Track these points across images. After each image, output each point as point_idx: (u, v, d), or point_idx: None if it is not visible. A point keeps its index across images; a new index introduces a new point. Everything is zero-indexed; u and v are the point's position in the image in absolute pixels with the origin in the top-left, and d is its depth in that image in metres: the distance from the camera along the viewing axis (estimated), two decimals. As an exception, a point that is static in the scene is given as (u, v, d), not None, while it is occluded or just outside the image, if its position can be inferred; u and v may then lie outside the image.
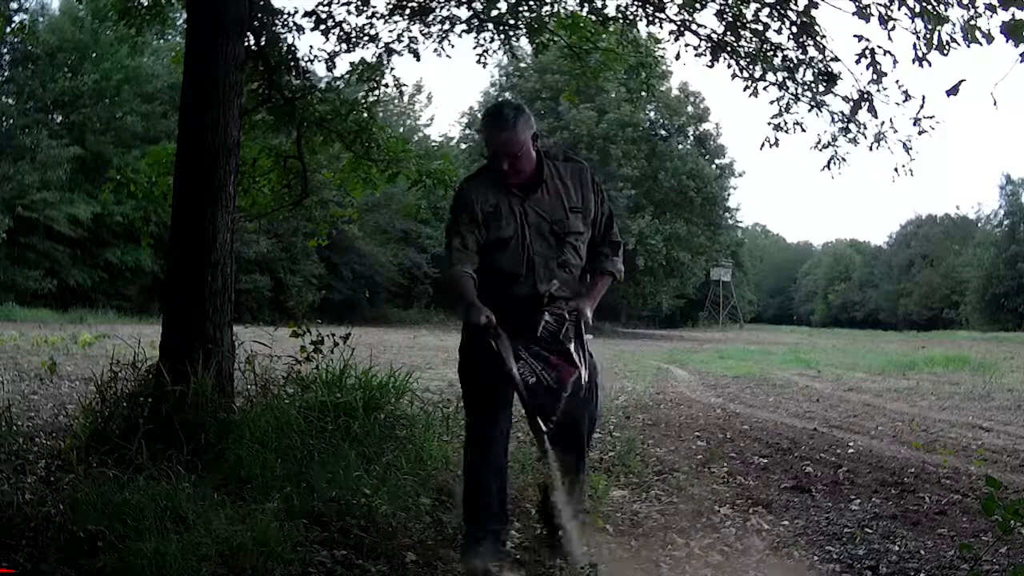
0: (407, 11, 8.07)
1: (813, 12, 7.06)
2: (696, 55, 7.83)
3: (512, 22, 8.21)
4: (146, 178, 8.12)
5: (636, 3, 7.93)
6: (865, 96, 7.26)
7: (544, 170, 3.95)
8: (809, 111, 7.79)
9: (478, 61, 8.56)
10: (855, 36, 6.58)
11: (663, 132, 46.36)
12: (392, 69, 8.39)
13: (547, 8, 8.22)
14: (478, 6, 8.14)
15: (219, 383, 5.48)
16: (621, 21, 8.21)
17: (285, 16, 7.62)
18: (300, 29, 7.74)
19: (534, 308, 3.83)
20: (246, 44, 6.48)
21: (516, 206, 3.91)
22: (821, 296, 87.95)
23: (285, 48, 7.64)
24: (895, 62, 6.66)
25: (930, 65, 5.95)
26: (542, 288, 3.88)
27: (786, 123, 7.89)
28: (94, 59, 33.60)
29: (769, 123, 7.92)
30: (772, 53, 7.55)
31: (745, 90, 7.85)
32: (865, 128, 7.56)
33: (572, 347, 3.75)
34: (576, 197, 3.98)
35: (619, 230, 4.19)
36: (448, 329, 37.65)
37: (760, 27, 7.45)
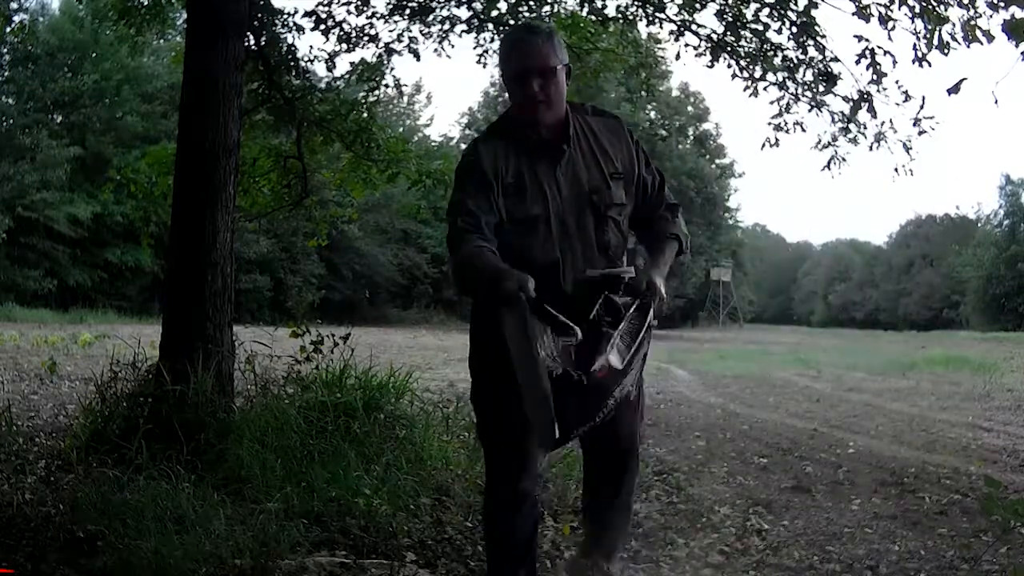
0: (407, 11, 8.09)
1: (813, 12, 7.09)
2: (696, 55, 7.87)
3: (512, 22, 8.21)
4: (146, 178, 8.14)
5: (636, 3, 7.94)
6: (865, 96, 7.28)
7: (572, 125, 3.08)
8: (809, 111, 7.84)
9: (478, 61, 8.59)
10: (855, 36, 6.61)
11: (663, 132, 46.36)
12: (392, 69, 8.42)
13: (547, 8, 8.23)
14: (478, 6, 8.15)
15: (219, 383, 5.48)
16: (621, 21, 8.22)
17: (285, 16, 7.64)
18: (300, 29, 7.77)
19: (571, 304, 2.91)
20: (246, 44, 6.48)
21: (545, 174, 3.03)
22: (821, 296, 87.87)
23: (285, 48, 7.65)
24: (895, 62, 6.69)
25: (930, 65, 5.98)
26: (591, 273, 2.97)
27: (786, 123, 7.93)
28: (94, 59, 33.59)
29: (769, 123, 7.96)
30: (772, 53, 7.57)
31: (745, 90, 7.89)
32: (865, 128, 7.60)
33: (624, 335, 2.89)
34: (617, 160, 3.11)
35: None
36: (448, 329, 37.64)
37: (760, 27, 7.47)
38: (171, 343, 5.64)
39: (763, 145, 8.00)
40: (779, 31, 7.42)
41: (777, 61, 7.62)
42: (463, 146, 44.25)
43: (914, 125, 7.10)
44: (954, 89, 3.64)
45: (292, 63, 7.68)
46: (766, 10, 7.36)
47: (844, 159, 7.87)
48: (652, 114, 46.25)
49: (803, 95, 7.75)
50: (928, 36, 5.87)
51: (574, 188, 3.04)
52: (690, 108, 48.06)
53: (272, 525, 3.88)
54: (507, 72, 3.07)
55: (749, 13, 7.49)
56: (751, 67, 7.76)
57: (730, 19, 7.58)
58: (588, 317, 2.89)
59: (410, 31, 8.18)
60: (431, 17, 8.16)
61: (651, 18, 7.98)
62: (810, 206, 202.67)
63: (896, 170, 7.46)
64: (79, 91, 33.09)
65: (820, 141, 7.89)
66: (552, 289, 2.90)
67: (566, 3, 8.23)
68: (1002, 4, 4.89)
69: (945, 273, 66.32)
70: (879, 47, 6.68)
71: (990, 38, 4.92)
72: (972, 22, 5.39)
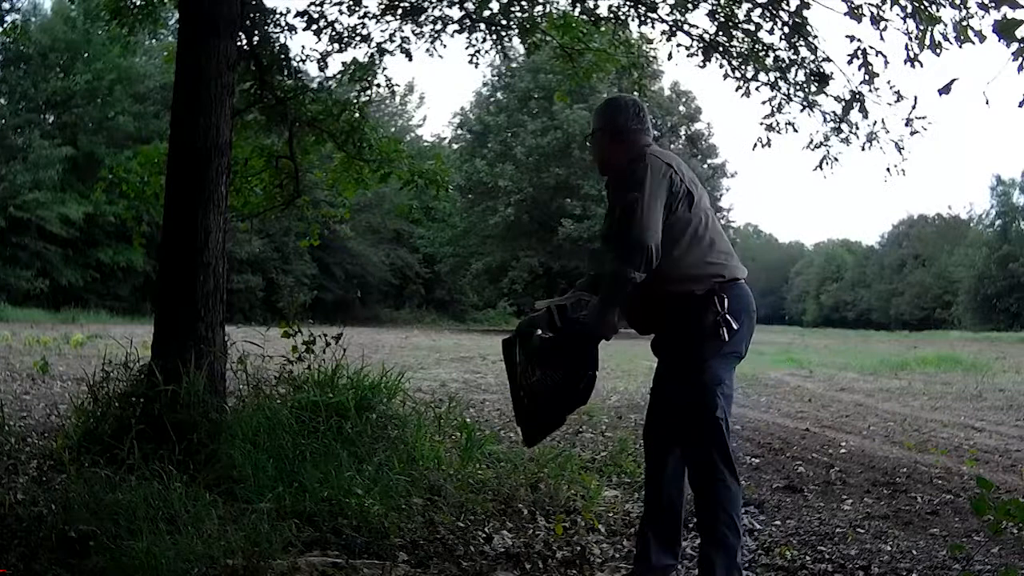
0: (399, 11, 8.08)
1: (805, 12, 7.09)
2: (688, 55, 7.87)
3: (504, 22, 8.22)
4: (138, 178, 8.11)
5: (628, 3, 7.95)
6: (857, 96, 7.29)
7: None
8: (801, 111, 7.84)
9: (470, 61, 8.58)
10: (847, 36, 6.62)
11: (655, 132, 46.37)
12: (384, 69, 8.40)
13: (539, 8, 8.23)
14: (470, 6, 8.15)
15: (211, 383, 5.47)
16: (613, 21, 8.22)
17: (277, 16, 7.64)
18: (292, 29, 7.76)
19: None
20: (238, 44, 6.46)
21: None
22: (813, 296, 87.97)
23: (277, 48, 7.63)
24: (887, 62, 6.70)
25: (922, 66, 5.99)
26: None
27: (778, 123, 7.93)
28: (86, 59, 33.58)
29: (761, 123, 7.96)
30: (764, 53, 7.58)
31: (737, 90, 7.90)
32: (857, 128, 7.60)
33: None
34: (609, 195, 3.88)
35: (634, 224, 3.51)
36: (440, 329, 37.61)
37: (752, 27, 7.48)
38: (163, 343, 5.62)
39: (755, 145, 8.01)
40: (771, 31, 7.43)
41: (769, 61, 7.63)
42: (455, 146, 44.03)
43: (906, 125, 7.10)
44: (945, 89, 3.64)
45: (284, 63, 7.67)
46: (758, 10, 7.37)
47: (836, 159, 7.88)
48: (644, 114, 46.25)
49: (795, 95, 7.75)
50: (920, 36, 5.88)
51: None
52: (682, 108, 48.08)
53: (264, 525, 3.87)
54: None
55: (741, 13, 7.50)
56: (743, 67, 7.77)
57: (722, 19, 7.58)
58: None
59: (402, 31, 8.18)
60: (423, 17, 8.15)
61: (643, 18, 7.98)
62: (802, 206, 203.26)
63: (888, 170, 7.46)
64: (71, 91, 33.07)
65: (812, 141, 7.89)
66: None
67: (558, 3, 8.24)
68: (993, 4, 4.91)
69: (937, 273, 66.51)
70: (871, 47, 6.69)
71: (982, 38, 4.94)
72: (964, 22, 5.41)
